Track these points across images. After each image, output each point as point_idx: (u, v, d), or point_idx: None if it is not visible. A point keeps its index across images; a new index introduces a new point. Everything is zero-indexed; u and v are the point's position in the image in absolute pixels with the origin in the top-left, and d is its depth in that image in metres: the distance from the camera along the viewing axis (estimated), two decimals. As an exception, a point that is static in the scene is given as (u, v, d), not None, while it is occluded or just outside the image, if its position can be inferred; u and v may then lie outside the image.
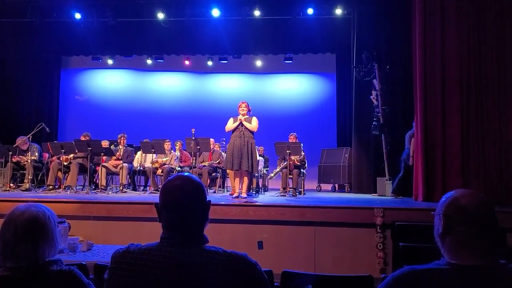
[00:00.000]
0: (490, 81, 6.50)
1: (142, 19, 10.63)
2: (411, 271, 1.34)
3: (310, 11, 10.06)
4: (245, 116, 6.49)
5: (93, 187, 7.94)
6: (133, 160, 8.41)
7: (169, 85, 12.79)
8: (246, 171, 6.42)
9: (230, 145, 6.46)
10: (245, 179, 6.62)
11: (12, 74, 11.80)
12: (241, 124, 6.43)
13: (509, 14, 6.49)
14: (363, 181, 8.95)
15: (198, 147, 7.68)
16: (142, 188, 8.85)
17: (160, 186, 7.72)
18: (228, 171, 6.88)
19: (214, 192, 8.36)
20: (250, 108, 6.61)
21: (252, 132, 6.51)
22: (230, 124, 6.54)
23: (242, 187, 6.66)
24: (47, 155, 8.63)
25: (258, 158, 8.34)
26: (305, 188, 8.50)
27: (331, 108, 11.95)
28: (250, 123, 6.46)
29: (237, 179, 6.66)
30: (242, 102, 6.59)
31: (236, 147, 6.34)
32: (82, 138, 7.90)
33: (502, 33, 6.52)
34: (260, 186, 8.72)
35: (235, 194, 6.54)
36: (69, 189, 7.42)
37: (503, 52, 6.49)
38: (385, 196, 7.66)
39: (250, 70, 12.36)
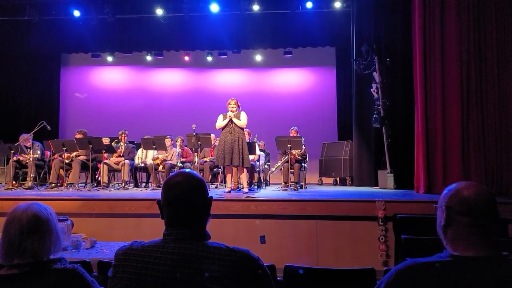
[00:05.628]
0: (490, 73, 6.50)
1: (141, 16, 10.61)
2: (413, 264, 1.35)
3: (309, 4, 10.01)
4: (234, 113, 6.54)
5: (95, 184, 7.95)
6: (134, 156, 8.41)
7: (169, 81, 12.77)
8: (237, 166, 6.48)
9: (221, 141, 6.55)
10: (244, 174, 6.71)
11: (11, 72, 11.80)
12: (230, 120, 6.49)
13: (509, 4, 6.46)
14: (364, 174, 8.96)
15: (199, 142, 7.69)
16: (144, 184, 8.88)
17: (161, 183, 7.74)
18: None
19: (216, 187, 8.37)
20: (239, 104, 6.68)
21: (242, 127, 6.59)
22: (220, 122, 6.61)
23: (242, 182, 6.74)
24: (48, 153, 8.63)
25: (259, 152, 8.35)
26: (306, 182, 8.51)
27: (331, 101, 11.93)
28: (239, 119, 6.54)
29: (229, 175, 6.80)
30: (232, 99, 6.64)
31: (227, 143, 6.43)
32: (77, 135, 7.85)
33: (502, 23, 6.50)
34: (262, 180, 8.73)
35: (227, 189, 6.66)
36: (71, 186, 7.44)
37: (504, 43, 6.47)
38: (386, 188, 7.67)
39: (249, 64, 12.33)
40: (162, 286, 1.36)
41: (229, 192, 6.55)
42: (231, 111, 6.54)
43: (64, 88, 12.69)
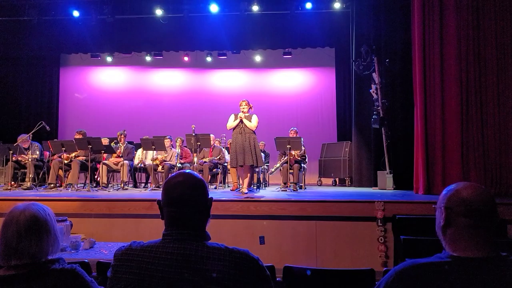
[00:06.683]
0: (489, 73, 6.50)
1: (141, 16, 10.61)
2: (412, 265, 1.35)
3: (308, 5, 10.03)
4: (246, 114, 6.57)
5: (94, 185, 7.93)
6: (133, 157, 8.41)
7: (168, 82, 12.77)
8: (250, 165, 6.48)
9: (233, 143, 6.60)
10: (249, 175, 6.68)
11: (11, 73, 11.79)
12: (241, 121, 6.51)
13: (509, 4, 6.47)
14: (364, 174, 8.96)
15: (199, 143, 7.68)
16: (143, 185, 8.87)
17: (161, 183, 7.74)
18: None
19: (215, 188, 8.37)
20: (251, 105, 6.70)
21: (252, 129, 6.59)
22: (231, 123, 6.65)
23: (242, 182, 6.71)
24: (47, 153, 8.63)
25: (259, 153, 8.35)
26: (305, 183, 8.50)
27: (331, 102, 11.94)
28: (250, 121, 6.55)
29: (235, 175, 6.85)
30: (243, 100, 6.69)
31: (238, 144, 6.46)
32: (77, 135, 7.82)
33: (502, 23, 6.50)
34: (261, 181, 8.73)
35: (233, 188, 6.75)
36: (70, 187, 7.43)
37: (504, 43, 6.47)
38: (385, 189, 7.67)
39: (249, 65, 12.34)
40: (162, 286, 1.36)
41: (238, 190, 6.57)
42: (242, 111, 6.58)
43: (63, 89, 12.69)
